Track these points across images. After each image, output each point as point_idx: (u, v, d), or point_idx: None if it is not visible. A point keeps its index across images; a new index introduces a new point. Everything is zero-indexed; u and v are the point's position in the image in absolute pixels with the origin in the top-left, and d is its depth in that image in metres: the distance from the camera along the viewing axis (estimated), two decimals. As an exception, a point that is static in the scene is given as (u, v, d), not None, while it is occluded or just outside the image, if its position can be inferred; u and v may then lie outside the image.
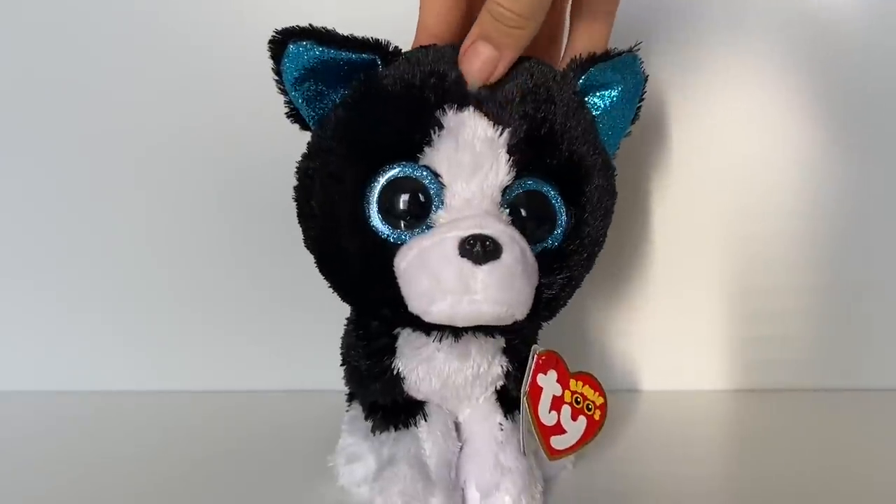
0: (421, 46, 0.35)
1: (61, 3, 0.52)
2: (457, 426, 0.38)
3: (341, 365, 0.41)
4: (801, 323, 0.55)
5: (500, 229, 0.32)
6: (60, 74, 0.53)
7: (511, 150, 0.33)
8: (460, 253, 0.31)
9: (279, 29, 0.33)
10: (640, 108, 0.39)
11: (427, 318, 0.32)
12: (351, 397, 0.43)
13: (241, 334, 0.56)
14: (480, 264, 0.31)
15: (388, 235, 0.33)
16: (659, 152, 0.53)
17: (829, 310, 0.55)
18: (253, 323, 0.55)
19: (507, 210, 0.33)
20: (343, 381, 0.42)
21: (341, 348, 0.41)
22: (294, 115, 0.35)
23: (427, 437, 0.36)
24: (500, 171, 0.33)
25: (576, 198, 0.35)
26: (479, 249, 0.31)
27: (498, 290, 0.31)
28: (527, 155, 0.33)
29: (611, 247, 0.49)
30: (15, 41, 0.53)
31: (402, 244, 0.33)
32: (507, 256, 0.31)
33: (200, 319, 0.55)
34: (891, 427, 0.49)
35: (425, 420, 0.37)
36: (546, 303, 0.35)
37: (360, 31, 0.34)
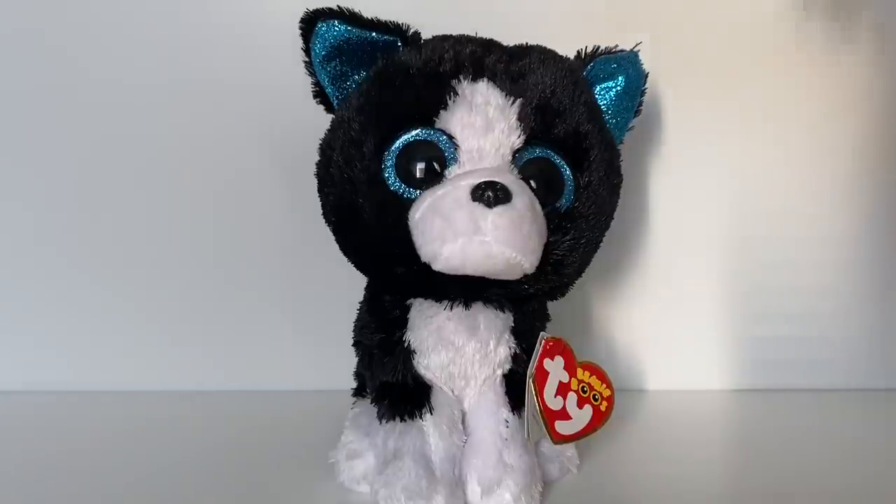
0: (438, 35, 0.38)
1: (61, 4, 0.52)
2: (462, 417, 0.38)
3: (353, 345, 0.41)
4: (804, 323, 0.55)
5: (510, 179, 0.34)
6: (59, 76, 0.53)
7: (521, 118, 0.35)
8: (472, 198, 0.33)
9: (309, 10, 0.36)
10: (641, 102, 0.41)
11: (437, 265, 0.33)
12: (356, 392, 0.43)
13: (241, 334, 0.56)
14: (491, 207, 0.32)
15: (403, 192, 0.35)
16: (661, 153, 0.53)
17: (833, 310, 0.55)
18: (253, 323, 0.55)
19: (519, 171, 0.35)
20: (352, 375, 0.42)
21: (353, 332, 0.41)
22: (320, 95, 0.38)
23: (433, 430, 0.36)
24: (511, 134, 0.35)
25: (582, 165, 0.36)
26: (491, 194, 0.32)
27: (507, 232, 0.32)
28: (536, 124, 0.35)
29: (614, 248, 0.49)
30: (15, 43, 0.53)
31: (416, 199, 0.34)
32: (517, 202, 0.33)
33: (200, 319, 0.55)
34: (892, 427, 0.49)
35: (431, 413, 0.37)
36: (553, 265, 0.36)
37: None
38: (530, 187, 0.35)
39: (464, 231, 0.32)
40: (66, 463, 0.43)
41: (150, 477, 0.41)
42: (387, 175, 0.35)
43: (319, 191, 0.38)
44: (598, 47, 0.39)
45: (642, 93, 0.41)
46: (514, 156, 0.35)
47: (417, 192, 0.34)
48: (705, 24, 0.52)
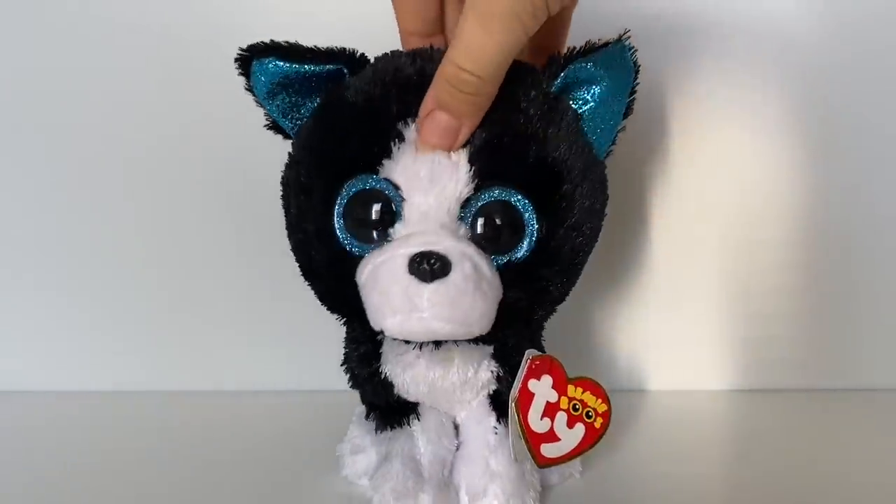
0: (387, 53, 0.35)
1: (57, 3, 0.52)
2: (456, 426, 0.38)
3: (341, 365, 0.41)
4: (802, 324, 0.55)
5: (450, 245, 0.31)
6: (61, 75, 0.53)
7: (472, 160, 0.31)
8: (408, 270, 0.30)
9: (244, 46, 0.34)
10: (632, 101, 0.35)
11: (385, 333, 0.32)
12: None
13: (240, 334, 0.56)
14: (427, 282, 0.30)
15: (352, 248, 0.33)
16: (659, 155, 0.53)
17: (831, 311, 0.55)
18: (253, 323, 0.55)
19: (469, 222, 0.32)
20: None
21: (344, 348, 0.41)
22: (273, 127, 0.36)
23: (421, 434, 0.37)
24: (458, 182, 0.31)
25: (548, 204, 0.33)
26: (426, 267, 0.30)
27: (444, 308, 0.30)
28: (490, 163, 0.32)
29: (614, 248, 0.49)
30: (10, 42, 0.53)
31: (363, 257, 0.32)
32: (455, 274, 0.30)
33: (200, 319, 0.55)
34: (890, 427, 0.49)
35: (419, 420, 0.37)
36: (519, 313, 0.34)
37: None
38: (483, 229, 0.32)
39: (400, 308, 0.31)
40: (66, 463, 0.44)
41: (150, 477, 0.42)
42: (336, 227, 0.33)
43: (286, 227, 0.36)
44: (574, 48, 0.33)
45: (633, 90, 0.35)
46: (464, 205, 0.32)
47: (367, 246, 0.32)
48: (704, 26, 0.52)
